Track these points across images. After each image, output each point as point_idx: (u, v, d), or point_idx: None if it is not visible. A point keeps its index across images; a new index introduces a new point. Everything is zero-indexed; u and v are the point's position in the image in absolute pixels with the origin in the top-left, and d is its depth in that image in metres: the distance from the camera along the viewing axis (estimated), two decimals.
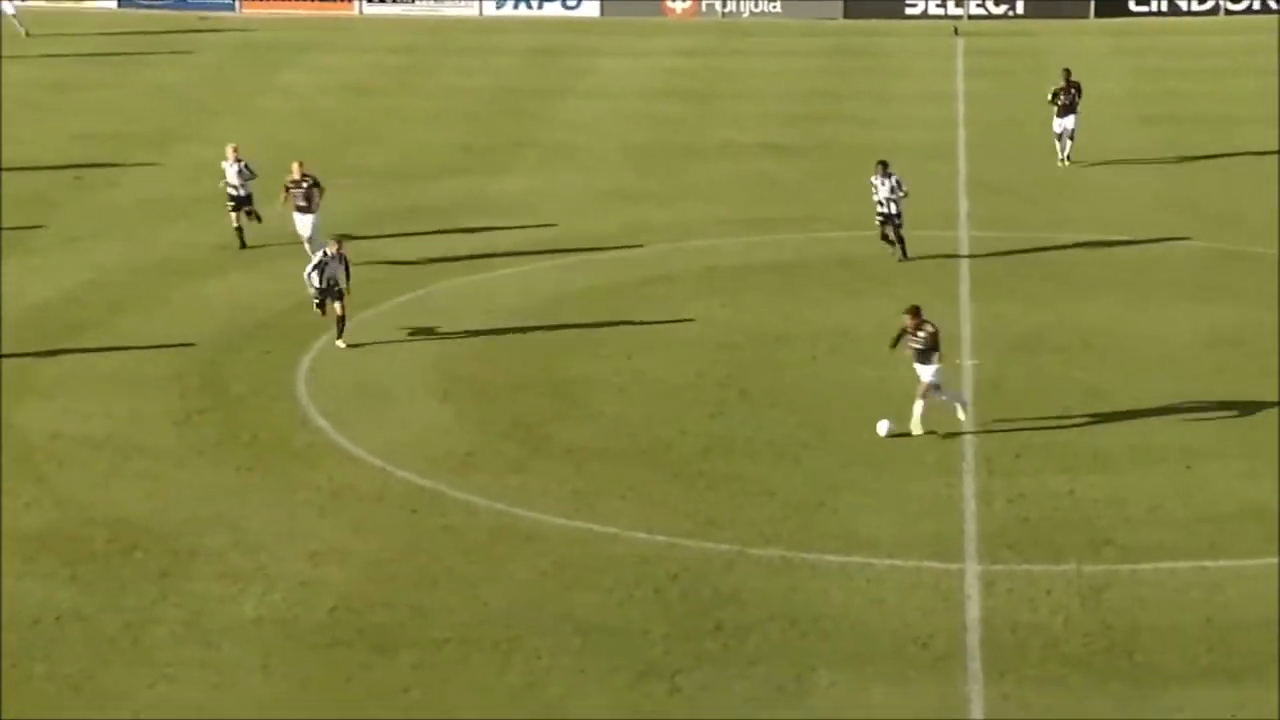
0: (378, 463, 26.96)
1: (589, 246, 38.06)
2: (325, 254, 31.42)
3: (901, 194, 35.87)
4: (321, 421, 28.52)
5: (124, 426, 28.50)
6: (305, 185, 35.84)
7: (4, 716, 20.18)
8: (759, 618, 22.31)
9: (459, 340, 32.48)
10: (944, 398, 27.78)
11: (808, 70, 57.47)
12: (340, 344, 31.33)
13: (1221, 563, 23.66)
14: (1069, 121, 43.77)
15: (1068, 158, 43.84)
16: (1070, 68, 44.36)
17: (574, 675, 21.06)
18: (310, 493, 26.03)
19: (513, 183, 43.71)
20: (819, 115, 50.88)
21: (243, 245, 37.30)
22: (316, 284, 31.26)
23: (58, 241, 38.25)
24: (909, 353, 27.61)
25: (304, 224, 35.90)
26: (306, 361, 31.19)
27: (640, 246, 38.19)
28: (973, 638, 21.81)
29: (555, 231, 39.22)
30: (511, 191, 42.86)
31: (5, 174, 43.63)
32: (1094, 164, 44.15)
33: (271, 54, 60.65)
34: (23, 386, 30.20)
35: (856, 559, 23.83)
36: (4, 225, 39.15)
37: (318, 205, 35.97)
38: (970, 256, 36.76)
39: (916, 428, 27.42)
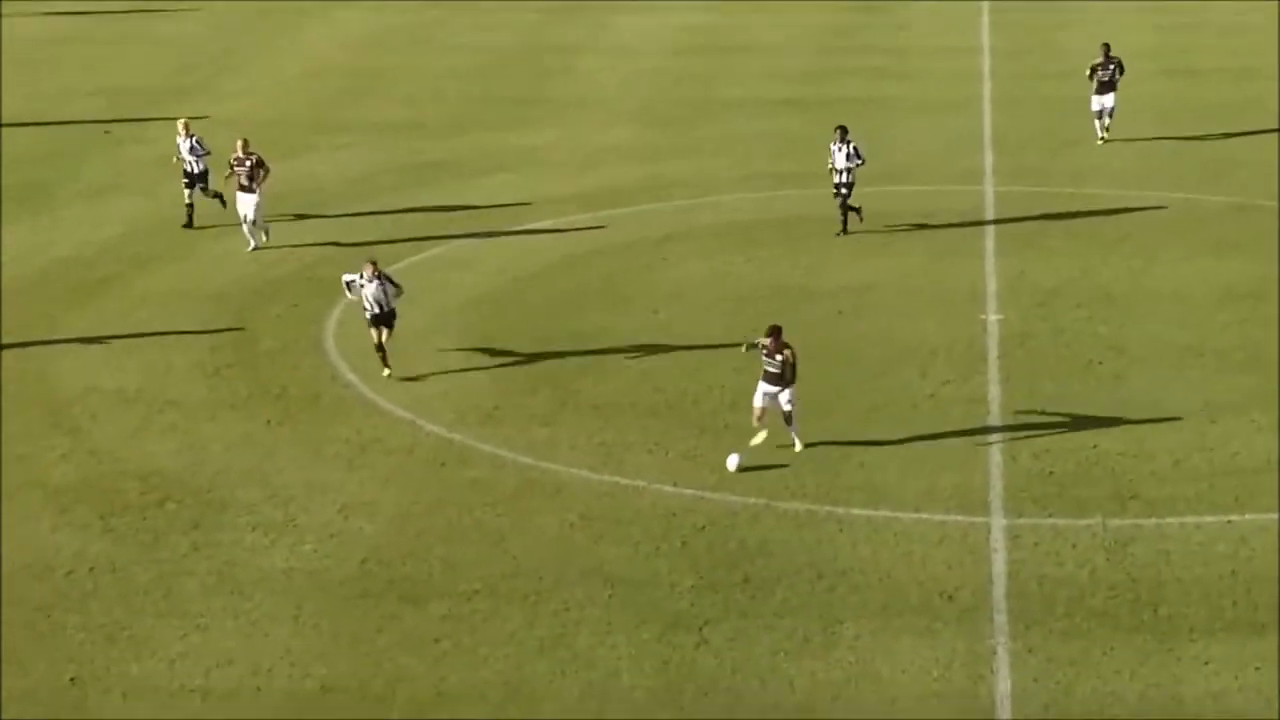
0: (406, 416, 27.02)
1: (611, 202, 37.97)
2: (359, 278, 28.44)
3: (858, 162, 34.88)
4: (350, 376, 28.60)
5: (155, 380, 28.61)
6: (249, 164, 34.13)
7: (40, 666, 20.35)
8: (786, 570, 22.38)
9: (484, 295, 32.50)
10: (790, 428, 25.78)
11: (829, 26, 57.16)
12: (387, 373, 28.49)
13: (1246, 516, 23.67)
14: (1108, 99, 41.61)
15: (1105, 135, 41.84)
16: (1109, 41, 42.41)
17: (602, 627, 21.15)
18: (340, 446, 26.12)
19: (534, 137, 43.56)
20: (839, 70, 50.60)
21: (189, 224, 35.89)
22: (366, 308, 28.49)
23: (84, 195, 38.29)
24: (762, 373, 25.62)
25: (245, 203, 34.40)
26: (335, 315, 31.18)
27: (662, 201, 38.17)
28: (998, 590, 21.87)
29: (578, 186, 39.13)
30: (534, 146, 42.73)
31: (30, 129, 43.85)
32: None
33: (291, 9, 60.43)
34: (54, 340, 30.35)
35: (883, 512, 23.88)
36: (31, 179, 39.28)
37: (260, 185, 34.19)
38: (995, 219, 36.44)
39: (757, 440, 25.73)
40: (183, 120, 36.49)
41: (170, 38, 56.01)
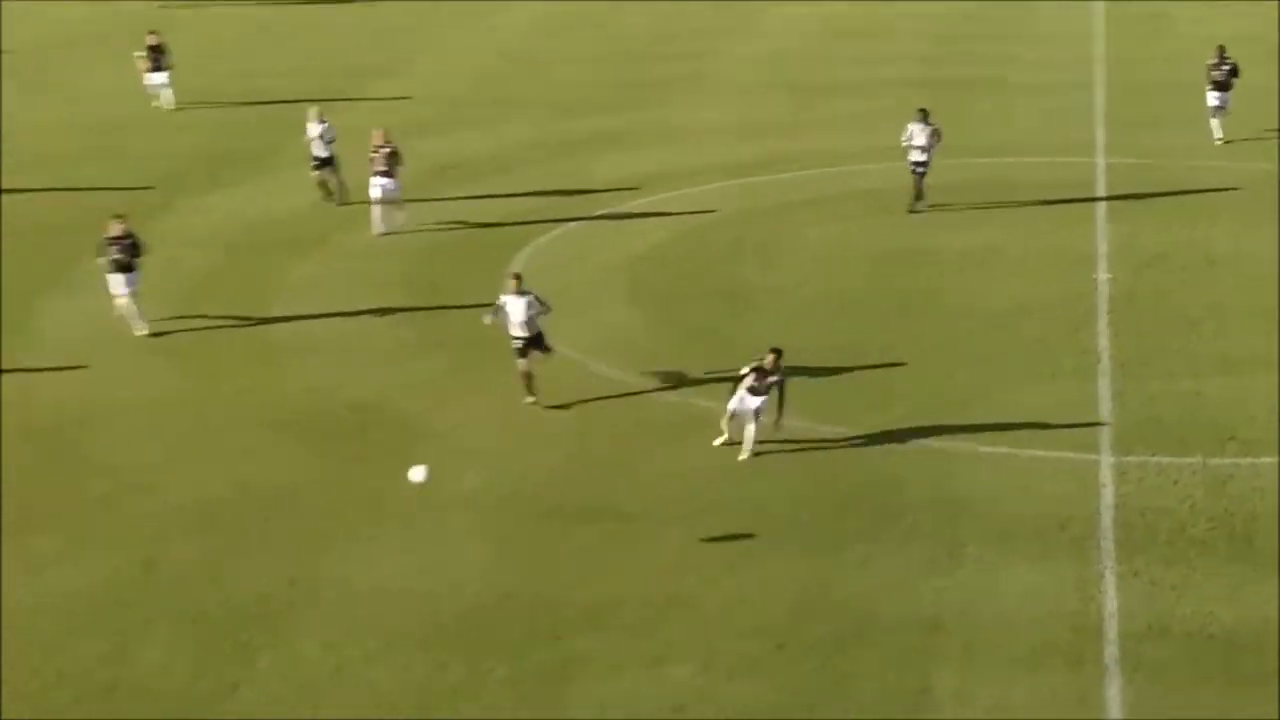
0: (576, 358, 27.35)
1: (753, 171, 38.04)
2: (503, 299, 25.38)
3: (938, 144, 34.27)
4: None
5: (358, 323, 29.17)
6: (386, 152, 33.40)
7: (265, 568, 20.93)
8: (914, 500, 22.49)
9: (644, 252, 32.73)
10: (751, 437, 23.63)
11: (956, 12, 56.58)
12: (530, 400, 25.45)
13: None
14: (1222, 97, 39.33)
15: (1222, 136, 39.31)
16: (1224, 44, 40.51)
17: (749, 547, 21.37)
18: (495, 381, 26.27)
19: (685, 114, 43.75)
20: (962, 54, 50.21)
21: (330, 196, 35.40)
22: (511, 333, 25.44)
23: (296, 162, 38.96)
24: (745, 383, 23.62)
25: (380, 188, 33.56)
26: (521, 257, 31.66)
27: (801, 170, 38.17)
28: (1106, 521, 21.86)
29: (724, 157, 39.22)
30: (684, 122, 42.92)
31: (254, 107, 44.80)
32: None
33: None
34: (276, 286, 31.02)
35: (1003, 449, 23.86)
36: (252, 148, 40.19)
37: (397, 171, 33.49)
38: (1106, 189, 35.93)
39: (745, 457, 23.68)
40: (315, 108, 35.76)
41: (359, 23, 56.88)
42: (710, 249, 32.91)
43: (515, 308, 24.84)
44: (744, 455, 23.66)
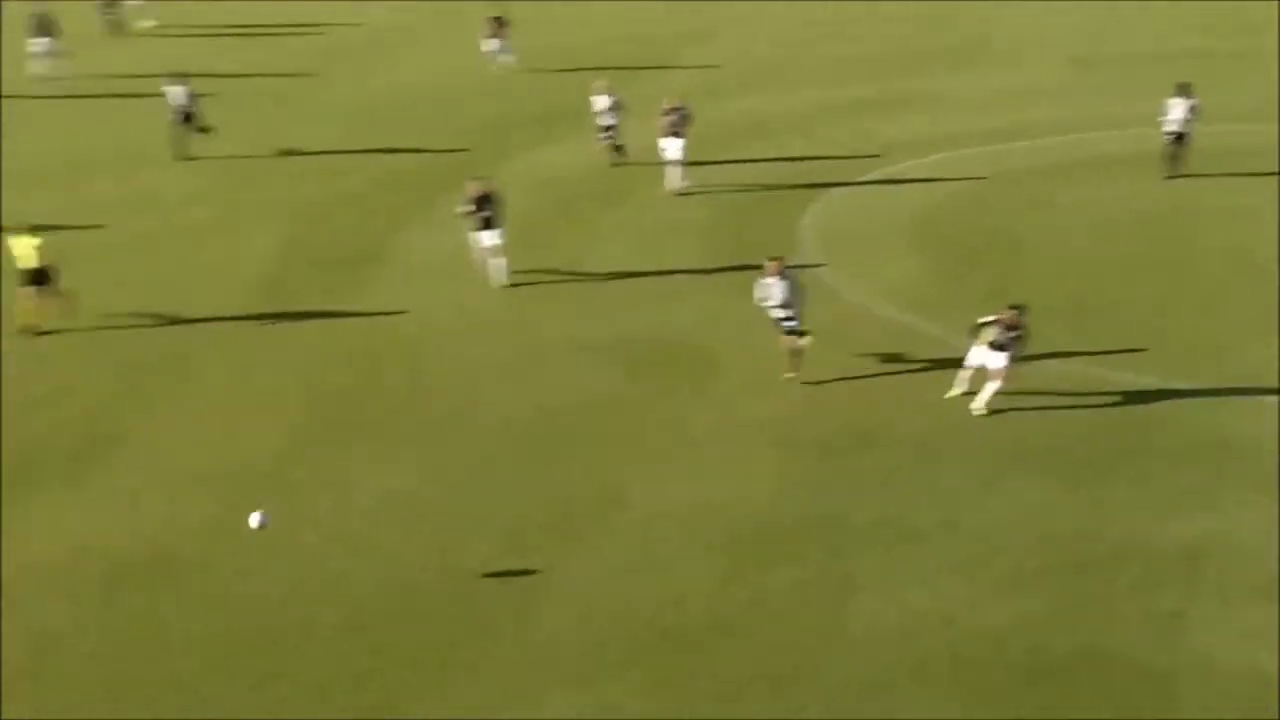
0: (861, 303, 27.87)
1: (1022, 136, 38.02)
2: (765, 280, 24.63)
3: (1195, 117, 33.50)
4: (816, 269, 29.32)
5: (664, 265, 30.10)
6: (678, 114, 33.94)
7: (579, 469, 22.00)
8: (1176, 442, 22.51)
9: (923, 209, 33.01)
10: (986, 393, 23.46)
11: None
12: (790, 375, 24.70)
13: None
14: None
15: None
16: None
17: (1003, 480, 21.63)
18: (809, 325, 26.92)
19: (963, 81, 43.81)
20: (1230, 27, 49.11)
21: (619, 157, 35.98)
22: (776, 316, 24.65)
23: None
24: (985, 336, 23.36)
25: (672, 148, 34.04)
26: (812, 210, 32.49)
27: (1071, 134, 38.03)
28: None
29: (995, 123, 39.14)
30: (962, 90, 42.99)
31: (552, 74, 46.21)
32: None
33: None
34: (591, 232, 32.17)
35: (1261, 399, 23.78)
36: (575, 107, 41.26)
37: (686, 133, 33.92)
38: None
39: (979, 407, 23.53)
40: (604, 81, 36.59)
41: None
42: (990, 202, 33.11)
43: (777, 290, 24.42)
44: (978, 406, 23.39)
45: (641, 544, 20.31)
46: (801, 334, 24.24)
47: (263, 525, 19.26)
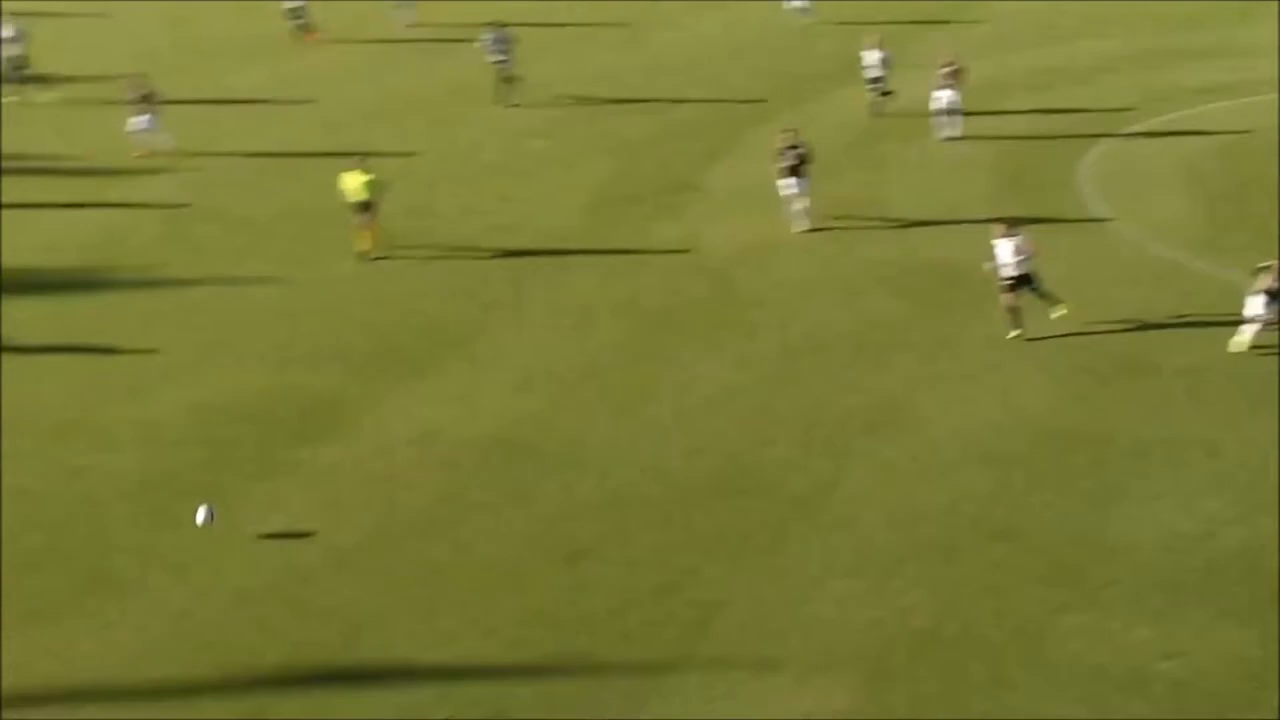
0: (1135, 239, 27.81)
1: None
2: (994, 241, 24.01)
3: None
4: (1095, 209, 29.40)
5: (947, 198, 30.57)
6: (950, 69, 33.66)
7: (860, 390, 22.64)
8: None
9: (1199, 154, 32.56)
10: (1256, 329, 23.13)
11: None
12: (1015, 333, 23.90)
13: None
14: None
15: None
16: None
17: (1266, 410, 21.32)
18: (1077, 254, 27.15)
19: (1252, 32, 42.62)
20: None
21: (885, 98, 35.76)
22: (1003, 273, 24.02)
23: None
24: (1261, 281, 23.01)
25: (944, 100, 34.02)
26: (1086, 160, 32.44)
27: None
28: None
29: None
30: (1251, 40, 41.91)
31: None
32: None
33: None
34: (883, 169, 32.83)
35: None
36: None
37: (960, 86, 33.80)
38: None
39: (1241, 343, 23.16)
40: (876, 36, 36.49)
41: None
42: (1260, 153, 32.29)
43: (1004, 249, 23.78)
44: (1240, 341, 23.00)
45: (920, 453, 20.81)
46: (1034, 290, 23.71)
47: (208, 521, 19.06)
